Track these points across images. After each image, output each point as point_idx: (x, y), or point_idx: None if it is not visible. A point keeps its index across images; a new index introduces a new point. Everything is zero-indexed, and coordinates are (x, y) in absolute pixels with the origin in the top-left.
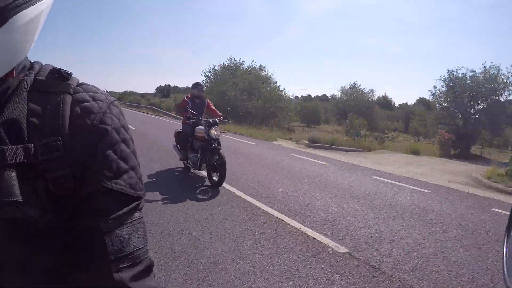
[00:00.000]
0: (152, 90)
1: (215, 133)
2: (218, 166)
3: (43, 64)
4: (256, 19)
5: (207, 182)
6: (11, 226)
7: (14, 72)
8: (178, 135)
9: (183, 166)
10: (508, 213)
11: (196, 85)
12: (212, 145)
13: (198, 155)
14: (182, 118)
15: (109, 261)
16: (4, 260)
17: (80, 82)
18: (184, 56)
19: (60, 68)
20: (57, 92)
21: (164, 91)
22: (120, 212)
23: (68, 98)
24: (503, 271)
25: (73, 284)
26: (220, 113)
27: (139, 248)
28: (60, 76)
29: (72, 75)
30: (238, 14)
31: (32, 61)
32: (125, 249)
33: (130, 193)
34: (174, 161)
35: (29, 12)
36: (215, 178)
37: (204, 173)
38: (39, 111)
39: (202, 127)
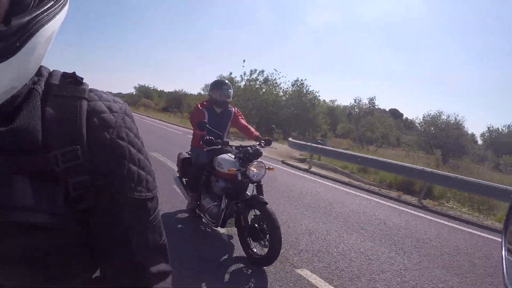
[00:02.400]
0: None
1: (257, 172)
2: (265, 231)
3: (50, 70)
4: (261, 27)
5: (240, 250)
6: (25, 229)
7: None
8: (184, 163)
9: (190, 212)
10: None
11: (219, 84)
12: (243, 189)
13: (223, 206)
14: (192, 136)
15: (139, 259)
16: (19, 261)
17: (89, 87)
18: (184, 59)
19: (74, 72)
20: (72, 96)
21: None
22: (144, 216)
23: (84, 103)
24: (502, 272)
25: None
26: (256, 132)
27: (161, 242)
28: (73, 81)
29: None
30: (242, 21)
31: None
32: (151, 245)
33: (148, 196)
34: (178, 200)
35: (51, 27)
36: (257, 250)
37: (232, 229)
38: (55, 116)
39: (231, 158)
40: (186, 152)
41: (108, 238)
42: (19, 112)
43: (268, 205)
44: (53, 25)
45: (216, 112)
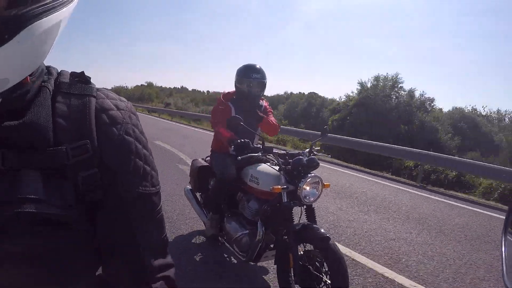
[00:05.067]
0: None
1: (312, 191)
2: (320, 275)
3: (59, 69)
4: (255, 17)
5: None
6: (29, 227)
7: (29, 77)
8: (200, 174)
9: (211, 240)
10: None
11: (249, 72)
12: (288, 213)
13: (259, 236)
14: (214, 138)
15: (142, 254)
16: (21, 260)
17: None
18: (172, 53)
19: (83, 72)
20: (81, 94)
21: None
22: (148, 210)
23: (93, 101)
24: (502, 271)
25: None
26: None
27: (163, 236)
28: (81, 80)
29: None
30: (236, 12)
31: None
32: (154, 240)
33: (152, 191)
34: (193, 221)
35: (47, 21)
36: None
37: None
38: (66, 112)
39: (272, 170)
40: (203, 159)
41: (113, 232)
42: (30, 108)
43: (331, 240)
44: (51, 20)
45: (245, 107)
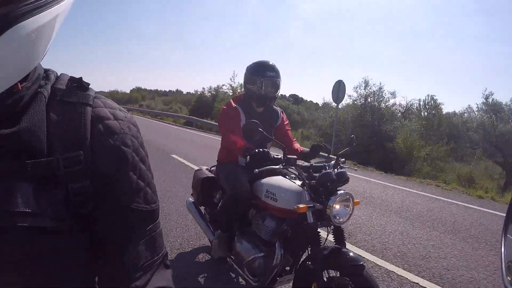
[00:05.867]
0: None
1: (342, 210)
2: None
3: (59, 73)
4: (252, 18)
5: None
6: (27, 234)
7: (19, 84)
8: (204, 185)
9: (217, 260)
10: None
11: (261, 70)
12: (313, 234)
13: (276, 260)
14: (220, 147)
15: (126, 272)
16: (22, 266)
17: (95, 93)
18: (172, 54)
19: (81, 77)
20: (77, 102)
21: None
22: (137, 228)
23: (89, 110)
24: (502, 271)
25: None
26: (299, 147)
27: (154, 256)
28: (79, 86)
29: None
30: (232, 15)
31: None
32: (141, 261)
33: (145, 208)
34: (194, 235)
35: (38, 19)
36: None
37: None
38: (59, 121)
39: (293, 185)
40: (208, 169)
41: (105, 241)
42: (24, 115)
43: (365, 269)
44: (38, 20)
45: (256, 111)
